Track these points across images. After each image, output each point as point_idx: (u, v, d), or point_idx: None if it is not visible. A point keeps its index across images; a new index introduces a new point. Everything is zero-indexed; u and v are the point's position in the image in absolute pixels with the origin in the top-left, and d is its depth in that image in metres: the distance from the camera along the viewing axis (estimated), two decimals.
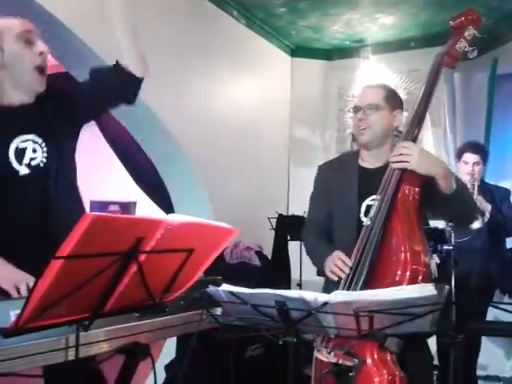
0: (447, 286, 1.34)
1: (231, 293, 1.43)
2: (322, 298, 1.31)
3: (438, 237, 2.81)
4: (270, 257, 4.44)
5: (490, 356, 3.89)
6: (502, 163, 4.84)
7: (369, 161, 2.03)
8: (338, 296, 1.32)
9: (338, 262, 1.84)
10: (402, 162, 1.79)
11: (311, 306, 1.32)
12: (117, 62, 1.84)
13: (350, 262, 1.81)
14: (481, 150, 3.40)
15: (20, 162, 1.73)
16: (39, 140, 1.76)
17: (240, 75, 4.79)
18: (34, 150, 1.75)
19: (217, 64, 4.40)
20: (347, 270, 1.81)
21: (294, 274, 4.62)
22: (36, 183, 1.75)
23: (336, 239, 2.02)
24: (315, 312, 1.32)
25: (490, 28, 4.25)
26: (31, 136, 1.75)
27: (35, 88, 1.78)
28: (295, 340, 1.42)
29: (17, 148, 1.73)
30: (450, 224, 2.78)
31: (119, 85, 1.85)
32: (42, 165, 1.76)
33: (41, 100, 1.81)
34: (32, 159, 1.75)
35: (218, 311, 1.68)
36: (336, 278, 1.85)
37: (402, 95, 2.14)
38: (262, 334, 1.56)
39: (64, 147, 1.86)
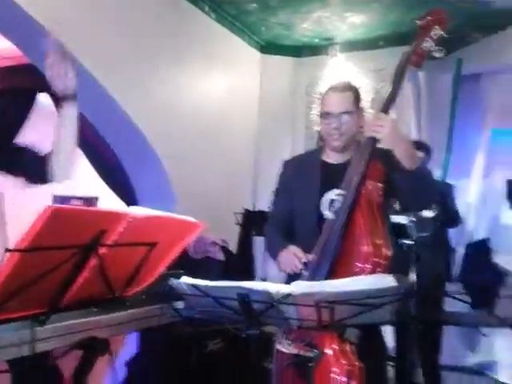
0: (410, 278, 1.37)
1: (193, 285, 1.42)
2: (285, 289, 1.31)
3: (398, 231, 2.86)
4: (235, 252, 4.44)
5: (449, 346, 3.98)
6: (465, 161, 4.97)
7: (333, 157, 2.05)
8: (300, 287, 1.33)
9: (292, 256, 1.87)
10: (374, 131, 1.82)
11: (273, 298, 1.32)
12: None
13: (304, 258, 1.84)
14: (422, 147, 3.51)
15: None
16: None
17: (210, 70, 4.76)
18: None
19: (186, 59, 4.36)
20: (300, 266, 1.84)
21: (259, 270, 4.64)
22: None
23: (297, 233, 2.03)
24: (277, 304, 1.32)
25: (456, 29, 4.33)
26: None
27: None
28: (257, 332, 1.43)
29: None
30: (412, 219, 2.85)
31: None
32: None
33: None
34: None
35: (181, 305, 1.67)
36: (288, 271, 1.89)
37: (370, 94, 2.16)
38: (224, 328, 1.55)
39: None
